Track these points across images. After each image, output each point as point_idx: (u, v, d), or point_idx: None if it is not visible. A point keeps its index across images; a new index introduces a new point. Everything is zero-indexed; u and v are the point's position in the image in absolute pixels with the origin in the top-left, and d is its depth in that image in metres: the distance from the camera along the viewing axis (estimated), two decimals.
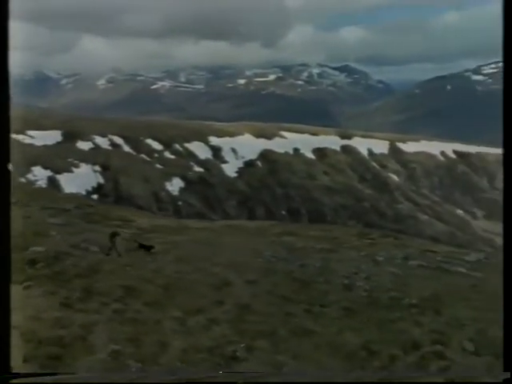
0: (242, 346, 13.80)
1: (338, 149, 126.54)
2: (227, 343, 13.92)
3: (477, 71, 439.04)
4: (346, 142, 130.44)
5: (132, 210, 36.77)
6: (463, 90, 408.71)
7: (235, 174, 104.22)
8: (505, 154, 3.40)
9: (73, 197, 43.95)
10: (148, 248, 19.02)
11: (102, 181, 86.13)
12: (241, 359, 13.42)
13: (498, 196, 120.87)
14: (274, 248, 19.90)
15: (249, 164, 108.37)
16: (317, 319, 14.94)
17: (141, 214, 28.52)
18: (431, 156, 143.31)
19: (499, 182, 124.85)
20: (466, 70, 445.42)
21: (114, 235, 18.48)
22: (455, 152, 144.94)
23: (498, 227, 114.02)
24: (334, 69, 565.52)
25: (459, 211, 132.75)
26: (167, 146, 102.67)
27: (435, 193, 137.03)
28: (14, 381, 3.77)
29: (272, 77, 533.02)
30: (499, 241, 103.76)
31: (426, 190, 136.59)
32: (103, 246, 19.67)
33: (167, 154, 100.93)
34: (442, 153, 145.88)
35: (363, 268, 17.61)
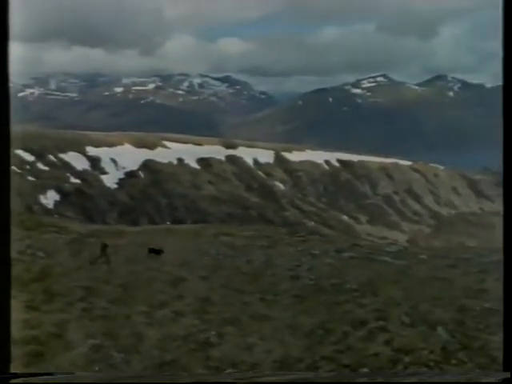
0: (213, 333, 15.03)
1: (222, 158, 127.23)
2: (198, 331, 15.07)
3: (356, 85, 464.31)
4: (230, 151, 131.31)
5: (58, 217, 36.14)
6: (344, 102, 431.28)
7: (115, 185, 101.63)
8: (505, 156, 3.90)
9: None
10: (158, 252, 19.78)
11: None
12: (215, 344, 14.64)
13: (380, 202, 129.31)
14: (216, 247, 21.18)
15: (130, 175, 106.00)
16: (272, 306, 16.50)
17: (70, 221, 28.50)
18: (316, 165, 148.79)
19: (381, 189, 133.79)
20: (346, 84, 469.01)
21: (105, 246, 19.09)
22: (339, 161, 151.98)
23: (380, 231, 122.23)
24: (216, 79, 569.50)
25: (344, 217, 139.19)
26: (39, 156, 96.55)
27: (321, 200, 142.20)
28: (14, 381, 4.53)
29: (151, 86, 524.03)
30: (381, 243, 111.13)
31: (311, 197, 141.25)
32: (48, 251, 19.94)
33: (40, 166, 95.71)
34: (327, 161, 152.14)
35: (304, 261, 19.43)
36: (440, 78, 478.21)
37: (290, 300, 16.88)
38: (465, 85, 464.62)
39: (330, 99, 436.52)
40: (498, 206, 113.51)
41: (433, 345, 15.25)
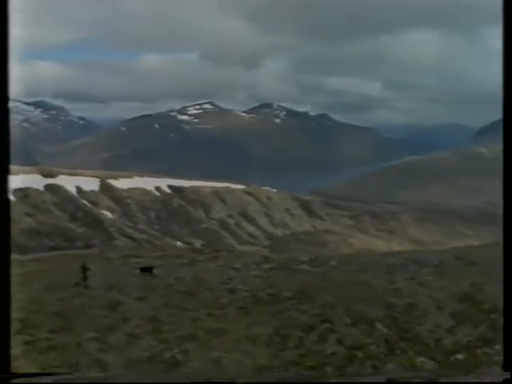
0: (177, 351, 14.60)
1: (41, 188, 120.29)
2: (161, 351, 14.54)
3: (182, 112, 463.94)
4: (50, 180, 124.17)
5: None
6: (171, 128, 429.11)
7: None
8: (505, 156, 4.17)
9: None
10: (150, 270, 19.19)
11: None
12: (182, 361, 14.24)
13: (214, 226, 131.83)
14: (134, 268, 20.50)
15: None
16: (222, 320, 16.53)
17: None
18: (146, 191, 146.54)
19: (215, 213, 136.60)
20: (172, 110, 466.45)
21: (85, 269, 17.36)
22: (170, 187, 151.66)
23: None
24: (28, 104, 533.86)
25: (178, 243, 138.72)
26: None
27: (153, 227, 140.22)
28: (14, 381, 4.75)
29: None
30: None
31: (143, 225, 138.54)
32: None
33: None
34: (157, 188, 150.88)
35: (232, 275, 19.69)
36: (266, 105, 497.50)
37: (236, 312, 17.04)
38: (290, 112, 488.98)
39: (156, 125, 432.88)
40: (328, 223, 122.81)
41: (377, 339, 16.55)
